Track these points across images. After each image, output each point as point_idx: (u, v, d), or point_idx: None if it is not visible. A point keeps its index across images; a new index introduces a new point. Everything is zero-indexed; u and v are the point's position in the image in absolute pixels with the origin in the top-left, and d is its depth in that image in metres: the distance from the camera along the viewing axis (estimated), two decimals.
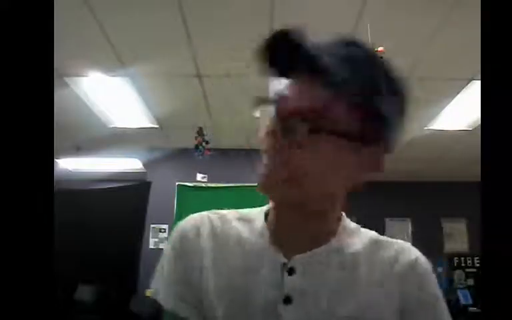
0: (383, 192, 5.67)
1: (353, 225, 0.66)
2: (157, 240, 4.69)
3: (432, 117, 3.90)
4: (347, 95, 0.52)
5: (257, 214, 0.68)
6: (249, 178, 4.42)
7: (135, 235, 4.64)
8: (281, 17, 2.46)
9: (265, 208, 0.68)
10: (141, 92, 3.48)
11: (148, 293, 4.26)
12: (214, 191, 4.64)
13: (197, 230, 0.65)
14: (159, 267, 0.67)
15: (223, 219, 0.67)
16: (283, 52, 0.55)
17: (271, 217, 0.65)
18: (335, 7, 2.44)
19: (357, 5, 2.41)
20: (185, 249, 0.65)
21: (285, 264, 0.59)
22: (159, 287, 0.65)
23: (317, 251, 0.60)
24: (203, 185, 4.68)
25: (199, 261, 0.63)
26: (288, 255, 0.60)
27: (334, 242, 0.61)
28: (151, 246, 4.66)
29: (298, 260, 0.59)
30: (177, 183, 4.72)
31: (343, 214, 0.66)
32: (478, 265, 5.77)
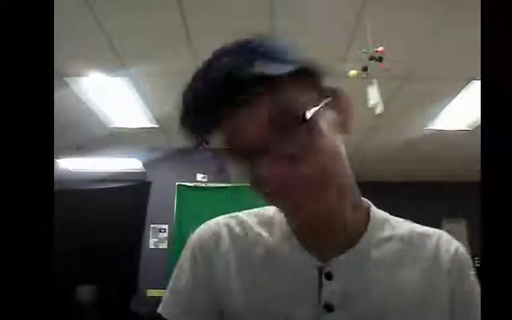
0: (382, 192, 5.68)
1: (381, 215, 0.62)
2: (156, 240, 4.69)
3: (432, 117, 3.91)
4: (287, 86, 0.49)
5: (277, 215, 0.63)
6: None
7: (135, 235, 4.64)
8: (281, 16, 2.46)
9: None
10: (141, 92, 3.48)
11: (149, 292, 4.27)
12: (214, 190, 4.64)
13: (216, 239, 0.62)
14: (175, 279, 0.63)
15: (242, 224, 0.63)
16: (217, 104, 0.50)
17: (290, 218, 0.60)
18: (334, 7, 2.44)
19: (356, 5, 2.41)
20: (206, 259, 0.61)
21: (321, 268, 0.56)
22: (178, 299, 0.61)
23: (352, 250, 0.56)
24: (203, 185, 4.68)
25: (222, 272, 0.59)
26: (320, 258, 0.56)
27: (367, 237, 0.58)
28: (151, 246, 4.66)
29: (335, 263, 0.55)
30: (177, 183, 4.72)
31: (370, 204, 0.62)
32: (478, 265, 5.77)
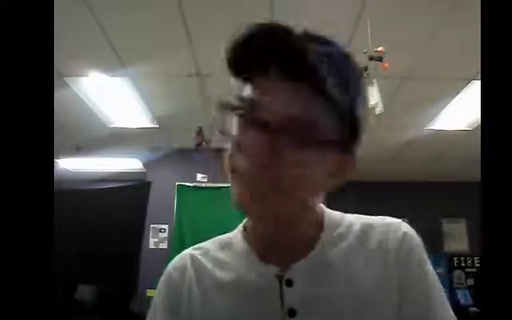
0: (382, 192, 5.68)
1: (336, 215, 0.63)
2: (156, 240, 4.69)
3: (432, 116, 3.91)
4: (334, 103, 0.49)
5: (235, 236, 0.65)
6: None
7: (135, 235, 4.65)
8: (281, 17, 2.46)
9: (240, 228, 0.66)
10: (141, 92, 3.48)
11: (149, 293, 4.27)
12: (214, 191, 4.64)
13: (182, 271, 0.63)
14: (149, 312, 0.65)
15: (205, 254, 0.65)
16: (262, 51, 0.50)
17: (252, 235, 0.62)
18: (335, 7, 2.44)
19: (357, 5, 2.42)
20: (173, 294, 0.63)
21: (279, 277, 0.57)
22: None
23: (310, 255, 0.58)
24: (203, 185, 4.68)
25: (187, 303, 0.60)
26: (281, 268, 0.57)
27: (324, 240, 0.59)
28: (151, 246, 4.66)
29: (294, 269, 0.57)
30: (176, 183, 4.72)
31: (323, 206, 0.63)
32: (478, 265, 5.78)
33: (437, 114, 3.85)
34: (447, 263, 5.71)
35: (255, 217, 0.57)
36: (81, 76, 3.20)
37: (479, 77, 3.12)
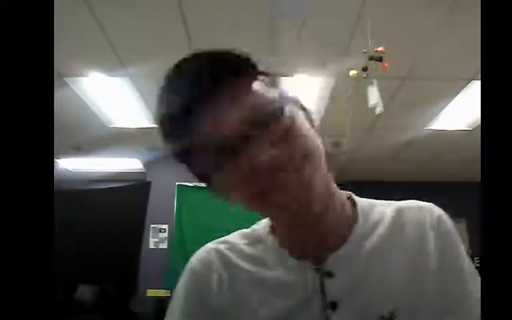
0: (382, 192, 5.68)
1: (366, 203, 0.62)
2: (156, 240, 4.69)
3: (432, 117, 3.91)
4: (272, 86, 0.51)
5: (262, 231, 0.63)
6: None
7: (135, 235, 4.65)
8: (281, 17, 2.46)
9: (264, 222, 0.64)
10: (141, 92, 3.48)
11: (149, 293, 4.27)
12: None
13: (208, 265, 0.61)
14: (169, 310, 0.61)
15: (232, 248, 0.62)
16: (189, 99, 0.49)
17: (281, 228, 0.60)
18: (334, 7, 2.44)
19: (356, 5, 2.42)
20: (200, 291, 0.60)
21: (319, 269, 0.56)
22: None
23: (348, 244, 0.57)
24: (203, 184, 4.68)
25: (218, 295, 0.58)
26: (315, 261, 0.56)
27: (358, 230, 0.58)
28: (151, 246, 4.67)
29: (332, 260, 0.56)
30: (176, 183, 4.72)
31: (352, 195, 0.63)
32: (478, 265, 5.77)
33: (436, 114, 3.85)
34: None
35: (296, 219, 0.54)
36: (80, 76, 3.20)
37: (479, 76, 3.12)
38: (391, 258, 0.56)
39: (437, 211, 0.61)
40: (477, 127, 4.02)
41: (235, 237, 0.64)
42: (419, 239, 0.58)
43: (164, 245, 4.64)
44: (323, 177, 0.53)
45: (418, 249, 0.57)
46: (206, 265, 0.61)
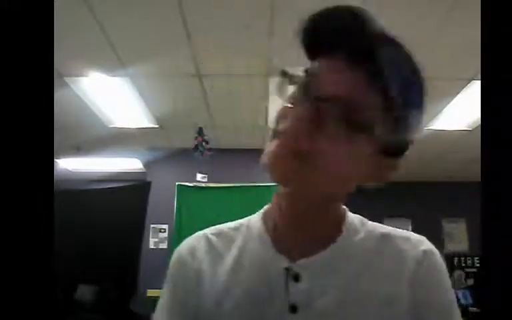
0: (382, 192, 5.67)
1: (357, 219, 0.62)
2: (156, 240, 4.69)
3: (432, 117, 3.91)
4: (386, 91, 0.49)
5: (254, 220, 0.64)
6: (250, 178, 4.43)
7: (135, 234, 4.65)
8: (281, 17, 2.46)
9: (260, 213, 0.65)
10: (141, 92, 3.48)
11: (149, 293, 4.27)
12: (214, 191, 4.64)
13: (192, 252, 0.63)
14: (160, 296, 0.64)
15: (219, 234, 0.65)
16: (331, 30, 0.53)
17: (270, 219, 0.61)
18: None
19: (356, 4, 2.41)
20: (181, 274, 0.62)
21: (288, 269, 0.56)
22: (158, 316, 0.61)
23: (323, 253, 0.56)
24: (203, 185, 4.68)
25: (195, 284, 0.60)
26: (292, 260, 0.56)
27: (340, 242, 0.57)
28: (151, 246, 4.66)
29: (303, 264, 0.55)
30: (176, 183, 4.72)
31: (346, 209, 0.62)
32: (478, 264, 5.78)
33: (436, 114, 3.85)
34: (447, 263, 5.68)
35: (280, 178, 0.53)
36: (80, 76, 3.20)
37: (479, 76, 3.12)
38: (363, 280, 0.55)
39: (426, 245, 0.58)
40: (477, 127, 4.02)
41: (226, 224, 0.67)
42: (396, 270, 0.56)
43: (164, 245, 4.63)
44: (328, 188, 0.54)
45: (393, 281, 0.55)
46: (191, 250, 0.63)
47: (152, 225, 4.72)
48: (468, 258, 5.82)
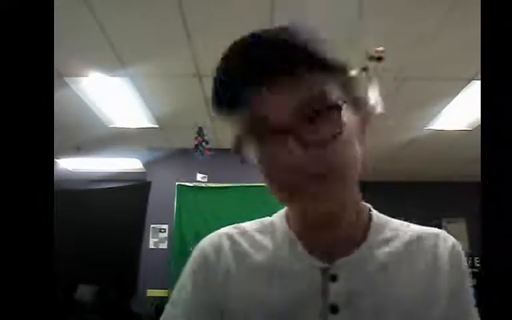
0: (382, 192, 5.68)
1: (382, 218, 0.63)
2: (156, 240, 4.69)
3: (432, 117, 3.91)
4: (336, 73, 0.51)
5: (278, 220, 0.63)
6: (250, 178, 4.43)
7: (135, 234, 4.65)
8: (281, 17, 2.46)
9: (281, 213, 0.64)
10: (141, 92, 3.48)
11: (149, 292, 4.27)
12: (214, 191, 4.64)
13: (217, 250, 0.61)
14: (176, 292, 0.61)
15: (244, 234, 0.63)
16: (268, 51, 0.50)
17: (294, 221, 0.60)
18: (334, 8, 2.44)
19: (356, 5, 2.41)
20: (207, 272, 0.60)
21: (325, 270, 0.55)
22: (177, 312, 0.59)
23: (357, 252, 0.56)
24: (203, 185, 4.68)
25: (222, 284, 0.58)
26: (324, 261, 0.56)
27: (370, 239, 0.58)
28: (151, 246, 4.66)
29: (339, 264, 0.55)
30: (176, 183, 4.72)
31: (370, 207, 0.63)
32: (478, 264, 5.78)
33: (437, 114, 3.85)
34: None
35: (309, 206, 0.52)
36: (80, 76, 3.20)
37: (479, 76, 3.12)
38: (398, 276, 0.56)
39: (456, 245, 0.60)
40: (477, 127, 4.02)
41: (249, 224, 0.65)
42: (432, 268, 0.57)
43: (164, 245, 4.63)
44: (353, 189, 0.55)
45: (428, 277, 0.57)
46: (216, 248, 0.61)
47: (152, 225, 4.71)
48: (468, 258, 5.82)
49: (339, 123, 0.48)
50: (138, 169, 5.25)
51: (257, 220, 0.65)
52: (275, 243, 0.60)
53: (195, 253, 0.63)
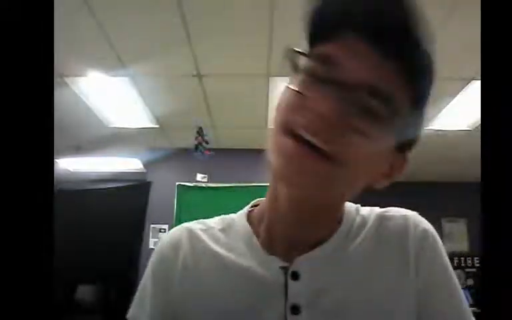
0: (382, 192, 5.68)
1: (352, 207, 0.59)
2: (156, 240, 4.69)
3: (432, 117, 3.90)
4: (414, 88, 0.47)
5: (239, 217, 0.61)
6: (250, 178, 4.43)
7: (135, 234, 4.65)
8: (281, 17, 2.46)
9: (243, 212, 0.61)
10: (141, 92, 3.48)
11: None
12: (214, 191, 4.64)
13: (176, 246, 0.59)
14: (138, 292, 0.60)
15: (206, 230, 0.60)
16: (352, 5, 0.44)
17: (258, 220, 0.58)
18: None
19: None
20: (163, 271, 0.58)
21: (286, 268, 0.52)
22: (136, 312, 0.59)
23: (321, 248, 0.53)
24: (203, 185, 4.68)
25: (178, 283, 0.56)
26: (286, 258, 0.53)
27: (339, 235, 0.55)
28: (151, 246, 4.66)
29: (301, 262, 0.52)
30: (176, 183, 4.72)
31: (357, 206, 0.60)
32: (478, 265, 5.78)
33: (437, 114, 3.85)
34: None
35: (304, 184, 0.46)
36: (80, 76, 3.20)
37: (479, 76, 3.12)
38: (366, 271, 0.53)
39: (423, 223, 0.57)
40: (477, 127, 4.02)
41: (211, 220, 0.63)
42: (399, 253, 0.54)
43: None
44: (349, 196, 0.52)
45: (397, 265, 0.53)
46: (174, 245, 0.59)
47: (152, 225, 4.71)
48: (468, 258, 5.82)
49: (382, 132, 0.44)
50: (138, 169, 5.24)
51: (220, 216, 0.63)
52: (234, 240, 0.58)
53: (156, 249, 0.61)
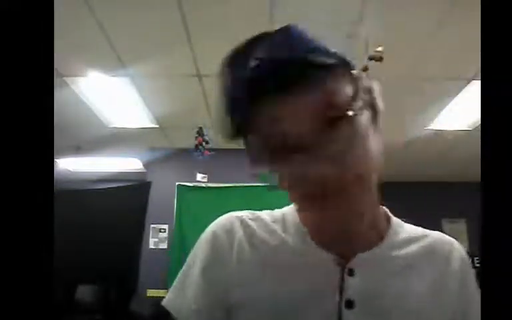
0: (383, 192, 5.68)
1: (397, 220, 0.63)
2: (156, 240, 4.69)
3: (432, 117, 3.90)
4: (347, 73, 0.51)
5: (289, 213, 0.63)
6: (250, 178, 4.42)
7: (135, 234, 4.64)
8: (280, 16, 2.46)
9: (292, 206, 0.63)
10: (141, 92, 3.48)
11: (149, 292, 4.26)
12: (214, 191, 4.64)
13: (229, 232, 0.60)
14: (182, 275, 0.61)
15: (256, 218, 0.62)
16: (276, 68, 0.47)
17: (305, 216, 0.60)
18: (334, 8, 2.44)
19: (356, 5, 2.42)
20: (217, 253, 0.59)
21: (343, 264, 0.55)
22: (175, 295, 0.59)
23: (376, 250, 0.57)
24: (203, 185, 4.68)
25: (234, 266, 0.57)
26: (338, 255, 0.56)
27: (388, 239, 0.59)
28: (151, 246, 4.66)
29: (357, 260, 0.55)
30: (176, 183, 4.72)
31: (386, 210, 0.64)
32: (478, 265, 5.78)
33: (437, 114, 3.85)
34: None
35: (331, 213, 0.52)
36: (80, 76, 3.20)
37: (479, 76, 3.12)
38: (414, 277, 0.57)
39: (462, 248, 0.63)
40: (477, 127, 4.02)
41: (260, 212, 0.64)
42: (445, 271, 0.59)
43: (164, 245, 4.63)
44: (371, 193, 0.55)
45: (440, 284, 0.58)
46: (228, 229, 0.60)
47: (152, 225, 4.71)
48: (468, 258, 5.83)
49: (357, 126, 0.48)
50: (138, 169, 5.24)
51: (268, 211, 0.64)
52: (287, 233, 0.60)
53: (205, 236, 0.61)
